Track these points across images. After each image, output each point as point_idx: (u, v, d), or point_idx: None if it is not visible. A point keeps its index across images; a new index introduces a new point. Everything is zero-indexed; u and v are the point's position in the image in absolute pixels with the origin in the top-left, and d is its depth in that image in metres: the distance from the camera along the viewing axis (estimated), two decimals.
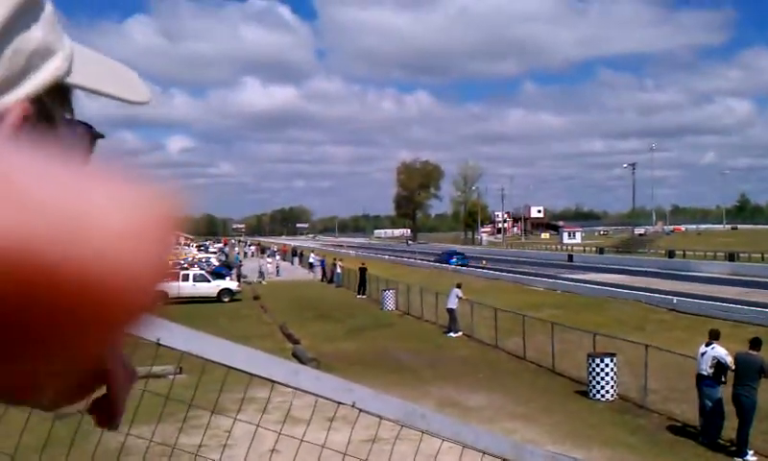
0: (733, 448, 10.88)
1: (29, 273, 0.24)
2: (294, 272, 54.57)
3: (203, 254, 63.13)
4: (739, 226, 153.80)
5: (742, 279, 39.19)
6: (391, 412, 1.85)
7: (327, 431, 1.89)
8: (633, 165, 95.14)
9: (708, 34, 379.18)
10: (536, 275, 43.97)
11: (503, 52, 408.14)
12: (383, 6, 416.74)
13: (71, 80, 0.50)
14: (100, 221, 0.26)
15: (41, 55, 0.46)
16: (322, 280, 45.97)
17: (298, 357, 15.91)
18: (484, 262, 59.01)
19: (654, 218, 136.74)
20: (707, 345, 11.56)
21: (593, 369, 14.03)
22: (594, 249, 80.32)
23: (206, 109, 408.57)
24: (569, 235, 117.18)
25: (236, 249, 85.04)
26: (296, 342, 19.90)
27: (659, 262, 55.48)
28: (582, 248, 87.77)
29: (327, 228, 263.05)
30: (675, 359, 13.35)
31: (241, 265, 49.45)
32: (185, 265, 41.58)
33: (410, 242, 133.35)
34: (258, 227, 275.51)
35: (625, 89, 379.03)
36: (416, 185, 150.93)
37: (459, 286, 23.10)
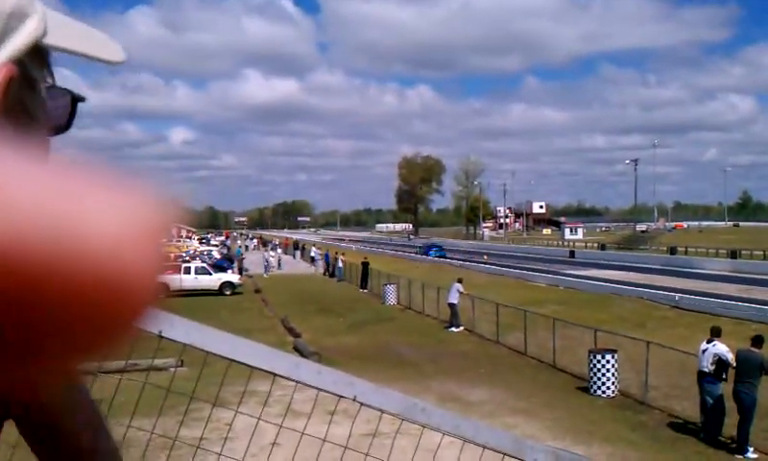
0: (734, 446, 10.89)
1: (20, 276, 0.24)
2: (295, 265, 54.58)
3: (204, 247, 63.16)
4: (741, 223, 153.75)
5: (744, 276, 39.12)
6: (392, 406, 1.85)
7: (328, 425, 1.90)
8: (635, 161, 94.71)
9: (711, 30, 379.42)
10: (538, 270, 43.99)
11: (505, 47, 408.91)
12: None
13: (48, 41, 0.51)
14: (92, 222, 0.26)
15: (17, 17, 0.46)
16: (324, 274, 46.06)
17: (299, 351, 15.93)
18: (485, 257, 59.03)
19: (656, 215, 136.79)
20: (708, 342, 11.57)
21: (594, 365, 14.03)
22: (596, 245, 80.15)
23: (208, 101, 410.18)
24: (571, 231, 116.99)
25: (238, 242, 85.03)
26: (297, 336, 19.94)
27: (660, 259, 55.32)
28: (583, 244, 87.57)
29: (329, 222, 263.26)
30: (676, 356, 13.35)
31: (243, 258, 49.46)
32: (187, 258, 41.58)
33: (411, 237, 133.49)
34: (260, 220, 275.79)
35: (627, 85, 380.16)
36: (417, 180, 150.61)
37: (460, 281, 23.11)
